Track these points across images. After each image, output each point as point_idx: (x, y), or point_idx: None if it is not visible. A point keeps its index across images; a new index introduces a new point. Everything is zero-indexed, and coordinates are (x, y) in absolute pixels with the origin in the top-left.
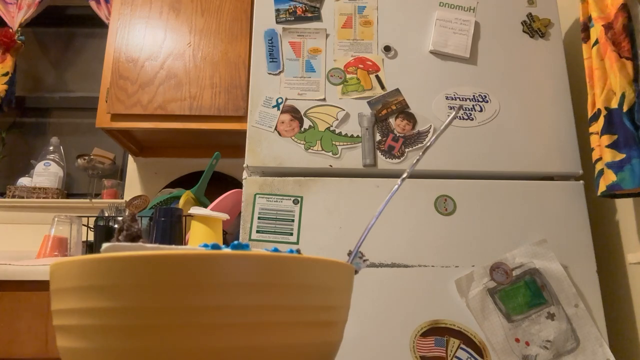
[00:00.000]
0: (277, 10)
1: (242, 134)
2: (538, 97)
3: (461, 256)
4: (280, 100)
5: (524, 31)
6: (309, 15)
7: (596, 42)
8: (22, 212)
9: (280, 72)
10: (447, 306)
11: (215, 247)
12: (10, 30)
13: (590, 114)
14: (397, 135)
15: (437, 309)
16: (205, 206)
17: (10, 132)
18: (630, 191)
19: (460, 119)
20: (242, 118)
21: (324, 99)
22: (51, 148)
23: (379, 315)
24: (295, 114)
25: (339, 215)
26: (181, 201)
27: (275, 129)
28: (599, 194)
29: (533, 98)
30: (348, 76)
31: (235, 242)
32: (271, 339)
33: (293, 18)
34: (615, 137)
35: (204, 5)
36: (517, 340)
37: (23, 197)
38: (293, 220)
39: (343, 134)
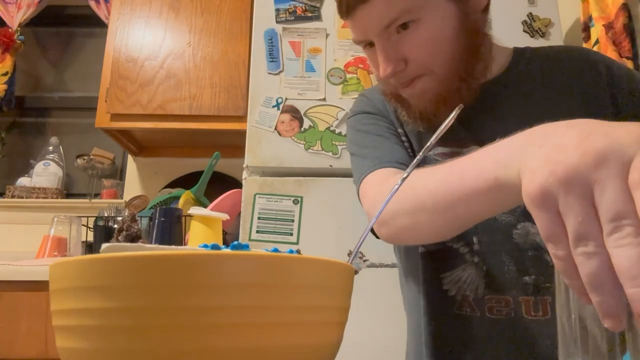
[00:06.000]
0: (277, 10)
1: (242, 133)
2: None
3: None
4: (280, 100)
5: (524, 31)
6: (309, 14)
7: (597, 41)
8: (21, 212)
9: (280, 71)
10: None
11: (214, 247)
12: (10, 29)
13: None
14: None
15: None
16: (205, 206)
17: (10, 132)
18: None
19: None
20: (242, 118)
21: (324, 99)
22: (50, 148)
23: (380, 316)
24: (295, 113)
25: (339, 215)
26: (181, 201)
27: (275, 128)
28: None
29: None
30: (348, 76)
31: (235, 242)
32: (270, 339)
33: (293, 18)
34: None
35: (203, 5)
36: None
37: (22, 197)
38: (293, 221)
39: (343, 133)
